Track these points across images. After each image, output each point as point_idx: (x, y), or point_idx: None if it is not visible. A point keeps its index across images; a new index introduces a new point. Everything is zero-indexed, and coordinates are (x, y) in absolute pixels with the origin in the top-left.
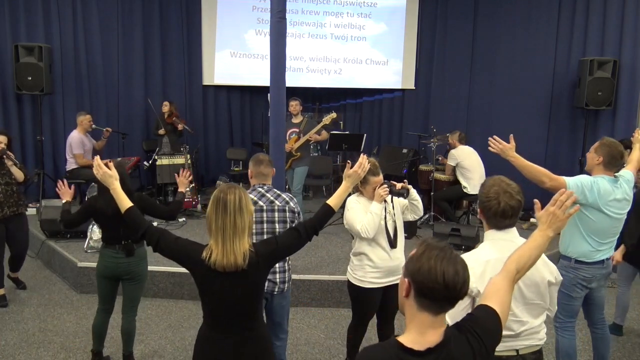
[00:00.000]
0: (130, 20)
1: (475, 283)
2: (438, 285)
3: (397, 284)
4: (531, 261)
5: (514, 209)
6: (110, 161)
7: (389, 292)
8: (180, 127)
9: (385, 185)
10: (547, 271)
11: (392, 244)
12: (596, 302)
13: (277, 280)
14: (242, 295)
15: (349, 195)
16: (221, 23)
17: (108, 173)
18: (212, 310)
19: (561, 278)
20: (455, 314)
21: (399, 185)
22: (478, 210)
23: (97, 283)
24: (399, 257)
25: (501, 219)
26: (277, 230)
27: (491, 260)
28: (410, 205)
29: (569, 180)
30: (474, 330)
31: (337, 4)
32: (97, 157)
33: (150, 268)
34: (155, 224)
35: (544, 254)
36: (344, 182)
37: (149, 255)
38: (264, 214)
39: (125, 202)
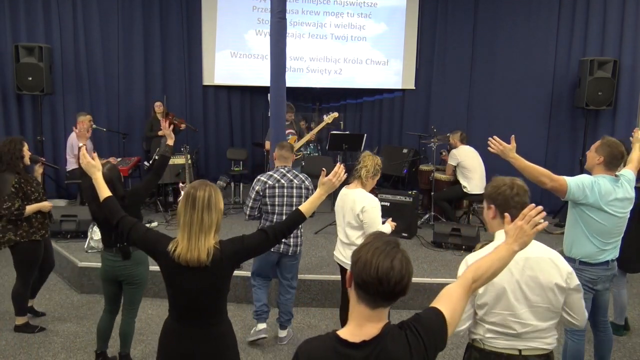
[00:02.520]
0: (131, 20)
1: None
2: (371, 279)
3: None
4: (490, 272)
5: (526, 192)
6: (94, 152)
7: None
8: (183, 126)
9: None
10: (555, 274)
11: None
12: (600, 305)
13: (291, 243)
14: (204, 291)
15: (342, 186)
16: (221, 23)
17: (91, 163)
18: (175, 303)
19: (577, 282)
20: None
21: None
22: (489, 210)
23: (101, 285)
24: None
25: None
26: (294, 202)
27: None
28: None
29: (569, 181)
30: (415, 327)
31: (337, 4)
32: (83, 147)
33: (151, 268)
34: (155, 224)
35: (561, 256)
36: (317, 190)
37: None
38: (285, 190)
39: (104, 192)
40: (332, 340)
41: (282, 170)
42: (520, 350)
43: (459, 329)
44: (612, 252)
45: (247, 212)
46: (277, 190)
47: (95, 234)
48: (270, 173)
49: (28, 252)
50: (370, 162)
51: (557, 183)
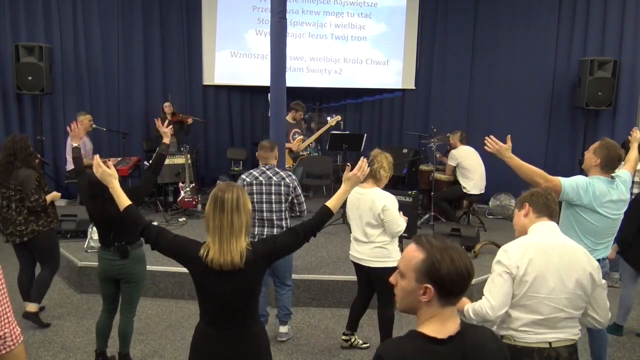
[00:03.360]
0: (131, 20)
1: (517, 262)
2: (465, 282)
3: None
4: None
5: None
6: (109, 160)
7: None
8: (190, 120)
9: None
10: (588, 264)
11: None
12: None
13: None
14: (238, 293)
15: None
16: (221, 23)
17: (107, 172)
18: (208, 308)
19: (604, 281)
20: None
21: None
22: (521, 210)
23: (99, 285)
24: None
25: (552, 198)
26: (273, 199)
27: (532, 244)
28: None
29: (564, 181)
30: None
31: (337, 4)
32: (97, 156)
33: (150, 268)
34: (155, 224)
35: (587, 251)
36: (343, 185)
37: (150, 256)
38: (263, 187)
39: (124, 201)
40: (418, 339)
41: (262, 167)
42: (550, 343)
43: (500, 312)
44: (604, 252)
45: None
46: (254, 188)
47: (95, 233)
48: (251, 171)
49: (50, 239)
50: (385, 161)
51: (551, 183)
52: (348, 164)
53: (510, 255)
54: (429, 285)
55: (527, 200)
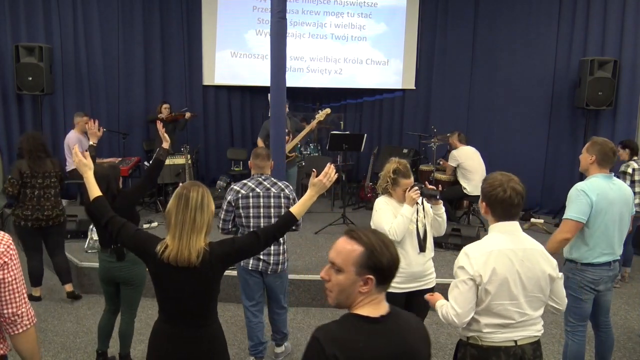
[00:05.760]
0: (131, 20)
1: (480, 270)
2: (398, 268)
3: (421, 290)
4: None
5: (520, 194)
6: (86, 151)
7: (414, 299)
8: (188, 115)
9: (416, 188)
10: (547, 265)
11: (422, 247)
12: (602, 305)
13: (271, 261)
14: (193, 292)
15: (370, 196)
16: (221, 23)
17: (83, 162)
18: (164, 305)
19: (561, 274)
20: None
21: (430, 186)
22: (482, 205)
23: (100, 285)
24: (424, 262)
25: (508, 207)
26: (272, 213)
27: (494, 251)
28: (434, 220)
29: (573, 217)
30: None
31: (337, 4)
32: (76, 146)
33: None
34: (155, 224)
35: (544, 249)
36: (308, 191)
37: None
38: (261, 200)
39: (94, 191)
40: (354, 320)
41: (258, 178)
42: (516, 341)
43: (465, 319)
44: (614, 254)
45: (220, 226)
46: (251, 200)
47: (95, 234)
48: (245, 181)
49: (65, 226)
50: (384, 170)
51: (573, 229)
52: (314, 169)
53: (474, 262)
54: (371, 276)
55: (486, 200)
